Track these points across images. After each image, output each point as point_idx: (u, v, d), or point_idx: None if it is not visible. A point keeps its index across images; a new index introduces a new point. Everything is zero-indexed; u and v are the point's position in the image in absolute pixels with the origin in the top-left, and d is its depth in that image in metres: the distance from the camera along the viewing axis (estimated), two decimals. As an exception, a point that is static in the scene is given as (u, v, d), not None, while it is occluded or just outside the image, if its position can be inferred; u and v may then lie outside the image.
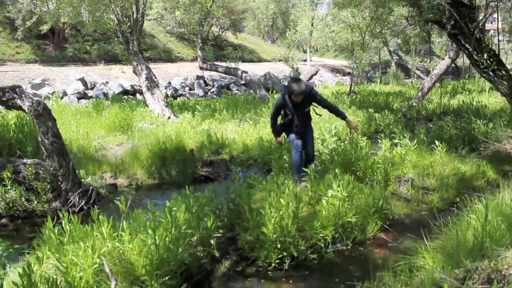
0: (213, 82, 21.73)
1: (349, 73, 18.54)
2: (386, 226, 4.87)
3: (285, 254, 4.08)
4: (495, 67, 7.86)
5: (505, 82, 7.91)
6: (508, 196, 4.30)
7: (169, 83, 20.22)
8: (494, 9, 11.94)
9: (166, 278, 3.54)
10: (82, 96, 17.26)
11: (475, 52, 8.11)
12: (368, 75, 27.96)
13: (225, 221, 4.75)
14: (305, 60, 28.29)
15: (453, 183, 5.86)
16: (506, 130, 6.63)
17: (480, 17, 8.52)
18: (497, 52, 8.35)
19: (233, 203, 4.82)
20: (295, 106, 5.78)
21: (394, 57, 28.19)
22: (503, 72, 7.94)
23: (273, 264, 4.03)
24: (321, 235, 4.28)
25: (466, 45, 8.37)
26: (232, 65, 19.90)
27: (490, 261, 3.42)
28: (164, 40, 29.80)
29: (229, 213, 4.79)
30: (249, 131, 9.67)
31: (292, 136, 5.98)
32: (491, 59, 7.87)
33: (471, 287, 3.20)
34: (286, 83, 5.94)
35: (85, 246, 3.55)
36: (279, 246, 4.05)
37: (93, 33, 24.29)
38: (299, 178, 5.76)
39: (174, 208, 4.24)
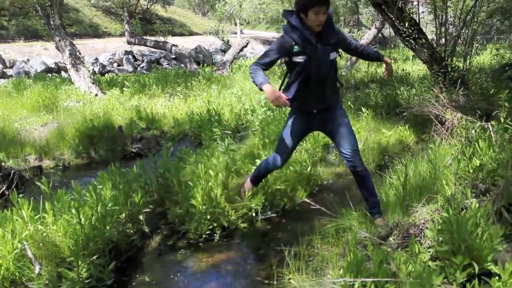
0: (142, 57, 21.13)
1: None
2: (314, 192, 5.01)
3: (215, 225, 4.09)
4: (416, 35, 8.16)
5: (425, 50, 8.25)
6: (426, 156, 4.54)
7: (96, 59, 19.43)
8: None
9: (94, 257, 3.46)
10: (0, 75, 16.25)
11: (398, 21, 8.37)
12: (300, 47, 28.22)
13: (155, 196, 4.69)
14: (236, 33, 28.09)
15: (378, 147, 6.07)
16: (427, 95, 6.94)
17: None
18: (417, 22, 8.66)
19: (162, 178, 4.76)
20: (313, 46, 3.45)
21: (323, 28, 28.52)
22: (423, 40, 8.27)
23: (204, 236, 4.04)
24: (251, 204, 4.32)
25: (389, 14, 8.63)
26: (161, 39, 19.40)
27: (409, 217, 3.62)
28: (90, 15, 28.49)
29: (158, 187, 4.72)
30: (180, 105, 9.55)
31: (291, 124, 3.79)
32: (412, 28, 8.16)
33: (391, 243, 3.36)
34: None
35: (4, 232, 3.39)
36: (209, 217, 4.05)
37: (9, 7, 22.74)
38: (254, 175, 4.27)
39: (100, 186, 4.14)
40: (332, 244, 3.59)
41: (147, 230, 4.18)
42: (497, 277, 2.53)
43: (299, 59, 3.48)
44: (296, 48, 3.45)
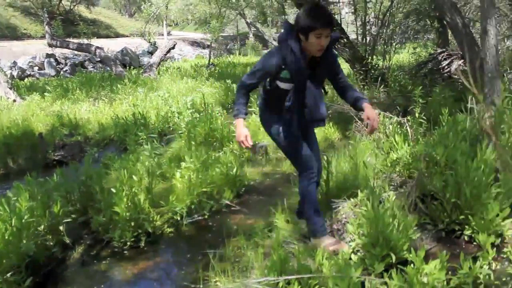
0: (65, 60, 20.34)
1: (209, 46, 18.58)
2: (241, 193, 5.02)
3: (140, 231, 4.00)
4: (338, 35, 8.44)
5: (348, 49, 8.55)
6: (348, 152, 4.68)
7: (15, 62, 18.49)
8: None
9: (8, 274, 3.27)
10: None
11: (319, 21, 8.61)
12: (228, 47, 28.33)
13: (77, 205, 4.51)
14: (163, 34, 27.70)
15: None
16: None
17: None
18: (339, 22, 8.95)
19: (84, 186, 4.59)
20: (304, 79, 3.06)
21: (252, 29, 28.84)
22: (345, 40, 8.56)
23: (128, 243, 3.93)
24: (177, 208, 4.26)
25: (312, 14, 8.85)
26: (85, 41, 18.73)
27: (332, 213, 3.72)
28: (7, 15, 27.01)
29: (80, 196, 4.54)
30: (105, 109, 9.26)
31: (293, 139, 3.23)
32: (335, 28, 8.42)
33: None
34: (285, 24, 3.15)
35: None
36: (133, 224, 3.95)
37: None
38: (316, 224, 3.31)
39: (14, 198, 3.92)
40: (258, 244, 3.61)
41: (68, 241, 4.01)
42: (412, 264, 2.65)
43: (285, 85, 3.10)
44: (284, 73, 3.04)
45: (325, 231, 3.34)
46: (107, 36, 30.38)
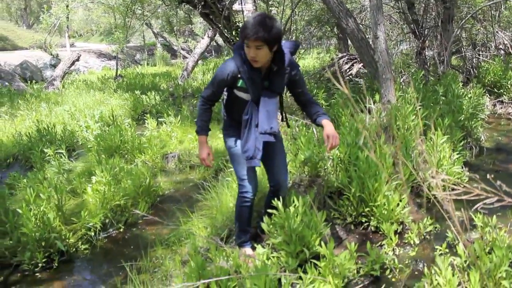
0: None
1: (115, 57, 18.10)
2: (156, 203, 5.00)
3: (52, 251, 3.85)
4: (242, 43, 8.65)
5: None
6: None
7: None
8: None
9: None
10: None
11: (226, 30, 8.77)
12: (136, 58, 27.78)
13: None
14: (65, 46, 26.56)
15: (215, 152, 6.26)
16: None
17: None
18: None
19: (-16, 209, 4.32)
20: (258, 90, 2.97)
21: (159, 39, 28.52)
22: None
23: (40, 265, 3.76)
24: (90, 224, 4.16)
25: (217, 23, 9.00)
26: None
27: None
28: None
29: (-19, 221, 4.28)
30: (5, 127, 8.72)
31: (240, 153, 3.13)
32: (239, 36, 8.62)
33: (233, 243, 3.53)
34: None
35: None
36: (44, 244, 3.79)
37: None
38: (240, 238, 3.41)
39: None
40: (176, 252, 3.63)
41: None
42: (324, 258, 2.82)
43: (243, 95, 3.02)
44: (240, 82, 2.96)
45: (247, 243, 3.43)
46: (3, 49, 28.54)
